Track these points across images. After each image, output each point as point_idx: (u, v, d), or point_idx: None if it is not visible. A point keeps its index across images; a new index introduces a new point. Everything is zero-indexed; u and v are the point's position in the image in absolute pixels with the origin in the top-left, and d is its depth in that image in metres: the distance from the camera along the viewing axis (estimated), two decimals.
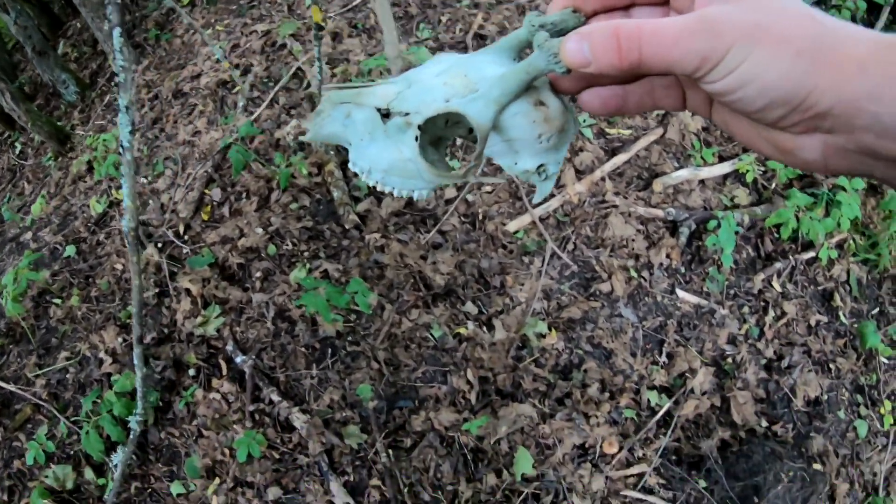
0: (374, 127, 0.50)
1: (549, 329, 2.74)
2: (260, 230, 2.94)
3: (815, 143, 0.40)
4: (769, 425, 2.93)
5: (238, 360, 2.76)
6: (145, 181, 3.60)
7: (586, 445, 2.64)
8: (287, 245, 2.90)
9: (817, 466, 2.87)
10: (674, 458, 2.77)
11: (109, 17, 2.08)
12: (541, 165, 0.52)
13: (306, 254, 2.88)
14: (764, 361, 3.04)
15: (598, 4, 0.48)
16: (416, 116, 0.49)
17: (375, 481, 2.62)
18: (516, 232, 2.90)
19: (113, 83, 4.55)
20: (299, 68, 3.53)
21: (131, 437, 2.67)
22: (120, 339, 3.09)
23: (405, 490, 2.60)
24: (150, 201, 3.43)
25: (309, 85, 3.43)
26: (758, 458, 2.79)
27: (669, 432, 2.75)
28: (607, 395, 2.71)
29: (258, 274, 2.88)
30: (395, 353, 2.70)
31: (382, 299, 2.78)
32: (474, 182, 0.51)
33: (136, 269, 2.30)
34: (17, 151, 4.96)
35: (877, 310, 3.42)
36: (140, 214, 3.47)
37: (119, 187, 3.66)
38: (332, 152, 2.98)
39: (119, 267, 3.30)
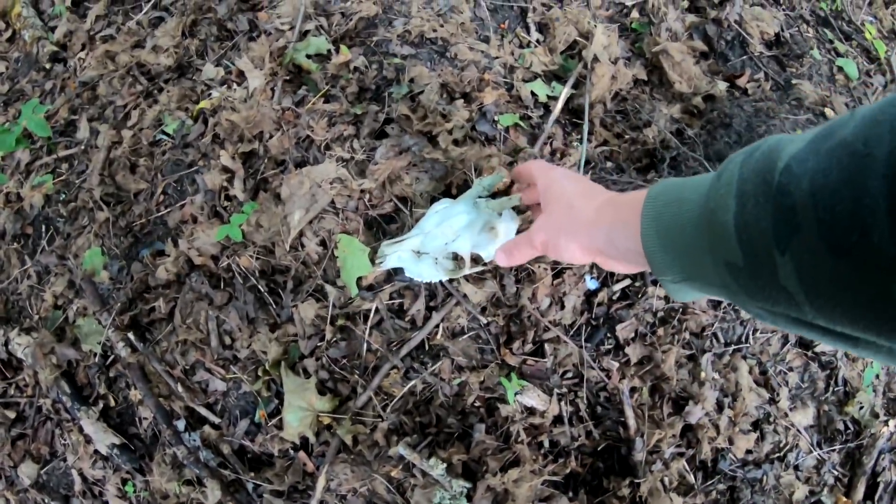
0: (415, 259, 1.00)
1: (335, 45, 1.63)
2: None
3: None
4: (730, 83, 1.69)
5: None
6: None
7: (449, 184, 1.46)
8: None
9: (829, 111, 1.60)
10: (609, 164, 1.55)
11: None
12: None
13: (7, 124, 1.94)
14: (684, 2, 1.81)
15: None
16: (432, 253, 1.00)
17: (137, 393, 1.55)
18: None
19: None
20: None
21: None
22: None
23: (177, 386, 1.50)
24: None
25: None
26: (742, 124, 1.55)
27: (585, 136, 1.54)
28: (460, 99, 1.54)
29: None
30: (119, 183, 1.66)
31: (96, 123, 1.77)
32: (469, 273, 1.09)
33: None
34: None
35: None
36: None
37: None
38: None
39: None
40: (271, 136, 1.54)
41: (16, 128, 1.67)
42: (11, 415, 1.68)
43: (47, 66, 1.95)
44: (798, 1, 1.92)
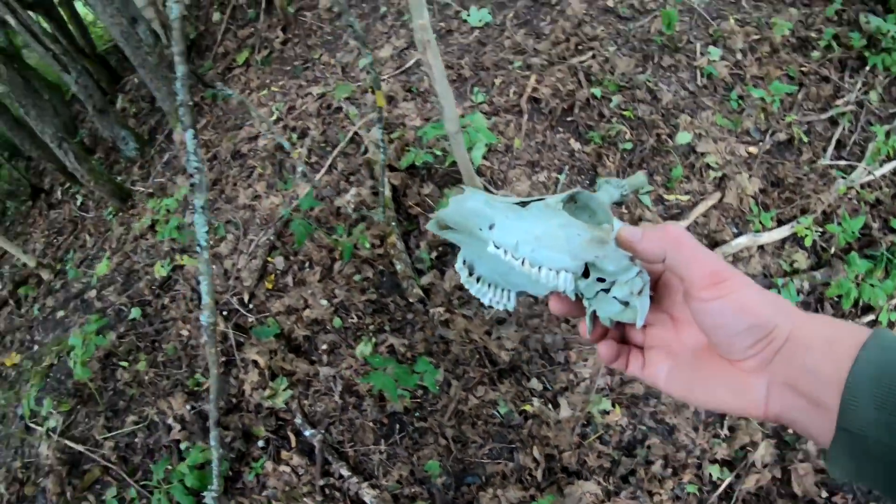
0: (516, 208, 0.57)
1: (613, 406, 2.76)
2: (325, 302, 3.01)
3: (762, 382, 0.53)
4: (829, 496, 2.91)
5: (307, 433, 2.83)
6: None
7: None
8: (352, 318, 2.97)
9: None
10: None
11: (182, 118, 2.16)
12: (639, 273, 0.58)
13: (371, 327, 2.94)
14: None
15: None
16: (552, 199, 0.58)
17: None
18: None
19: (171, 141, 4.69)
20: (356, 133, 3.61)
21: None
22: (188, 407, 3.18)
23: None
24: (213, 266, 3.53)
25: (366, 150, 3.51)
26: None
27: None
28: (670, 470, 2.71)
29: (324, 347, 2.95)
30: (462, 430, 2.74)
31: (448, 375, 2.82)
32: (612, 252, 0.56)
33: (215, 361, 2.37)
34: (78, 203, 5.12)
35: None
36: None
37: (182, 251, 3.76)
38: (393, 223, 3.05)
39: (185, 333, 3.40)
40: (565, 451, 2.67)
41: (414, 377, 2.69)
42: None
43: (411, 300, 2.95)
44: None
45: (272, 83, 4.37)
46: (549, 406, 2.76)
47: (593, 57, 3.78)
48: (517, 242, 0.55)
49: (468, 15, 4.18)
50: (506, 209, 0.57)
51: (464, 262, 0.62)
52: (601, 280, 0.58)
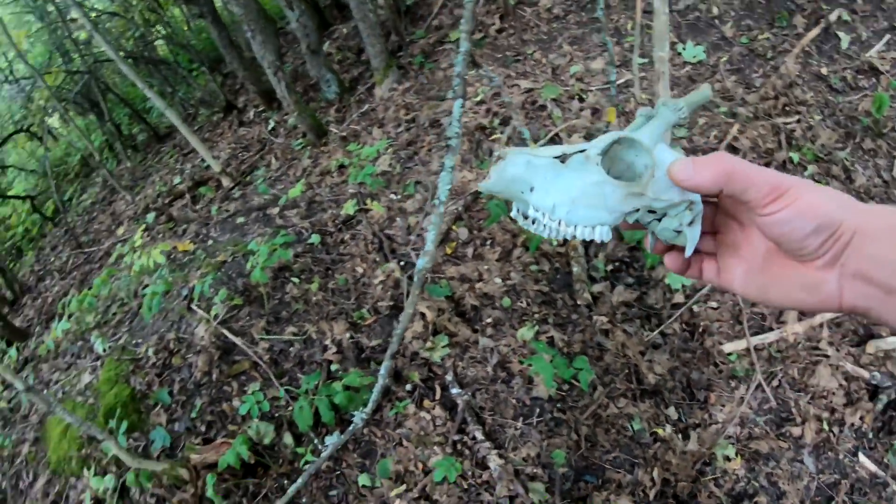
0: (555, 166, 0.59)
1: (736, 455, 2.91)
2: (499, 280, 3.28)
3: (833, 277, 0.54)
4: None
5: (454, 391, 3.11)
6: (395, 197, 4.05)
7: None
8: (521, 302, 3.23)
9: None
10: None
11: (455, 88, 2.45)
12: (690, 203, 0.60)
13: (537, 315, 3.19)
14: None
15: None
16: (592, 150, 0.59)
17: None
18: (730, 354, 3.08)
19: (371, 94, 5.06)
20: (557, 134, 3.85)
21: (351, 428, 3.08)
22: (348, 335, 3.53)
23: None
24: (398, 219, 3.87)
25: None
26: None
27: None
28: None
29: (489, 320, 3.22)
30: (595, 432, 2.96)
31: (596, 380, 3.04)
32: (651, 200, 0.58)
33: (413, 301, 2.69)
34: (269, 127, 5.61)
35: None
36: (386, 228, 3.92)
37: (371, 196, 4.13)
38: None
39: (359, 270, 3.76)
40: (681, 481, 2.84)
41: (571, 370, 2.93)
42: (465, 485, 3.04)
43: (579, 302, 3.18)
44: None
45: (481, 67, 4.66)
46: (679, 436, 2.93)
47: (798, 121, 3.86)
48: (554, 205, 0.59)
49: (683, 48, 4.33)
50: (545, 169, 0.59)
51: (517, 210, 0.65)
52: (652, 212, 0.61)
